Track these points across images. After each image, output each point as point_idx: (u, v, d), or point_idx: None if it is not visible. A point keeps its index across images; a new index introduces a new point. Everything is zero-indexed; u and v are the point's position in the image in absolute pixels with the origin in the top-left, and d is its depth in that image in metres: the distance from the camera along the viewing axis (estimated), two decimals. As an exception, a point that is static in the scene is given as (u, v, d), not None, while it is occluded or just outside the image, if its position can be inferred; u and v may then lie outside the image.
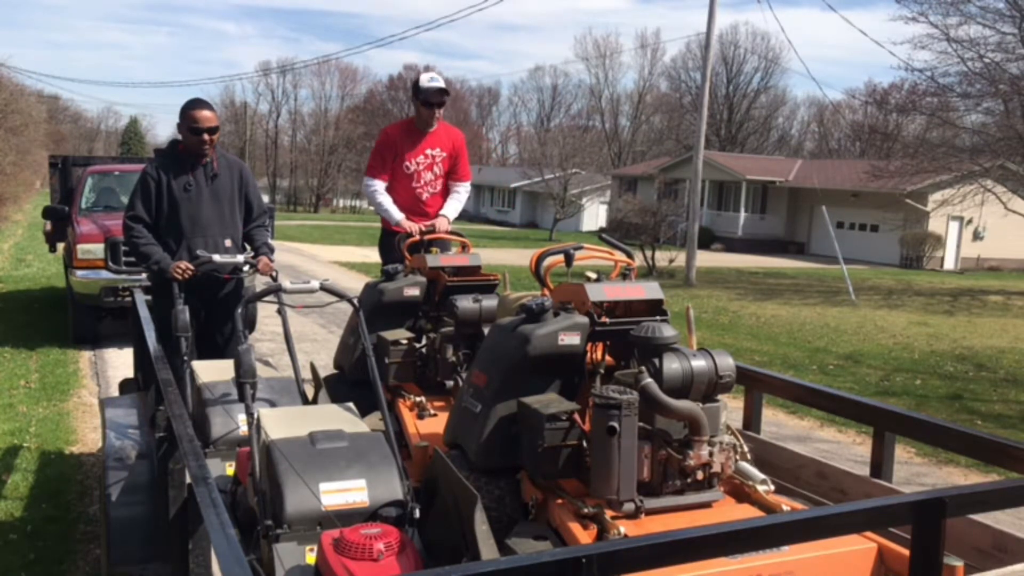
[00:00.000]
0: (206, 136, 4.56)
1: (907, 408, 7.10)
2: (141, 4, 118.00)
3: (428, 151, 5.21)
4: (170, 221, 4.60)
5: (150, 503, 3.28)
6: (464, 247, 4.82)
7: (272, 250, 4.86)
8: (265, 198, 9.88)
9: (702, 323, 13.34)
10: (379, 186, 5.22)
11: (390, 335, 3.96)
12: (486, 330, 3.72)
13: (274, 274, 4.59)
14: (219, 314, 4.76)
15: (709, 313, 14.86)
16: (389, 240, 5.16)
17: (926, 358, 11.21)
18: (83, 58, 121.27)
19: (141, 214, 4.58)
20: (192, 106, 4.59)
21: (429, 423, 3.61)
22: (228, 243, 4.71)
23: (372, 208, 5.35)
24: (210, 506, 1.83)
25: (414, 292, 4.11)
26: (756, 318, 14.55)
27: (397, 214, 5.13)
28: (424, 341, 4.08)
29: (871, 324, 14.23)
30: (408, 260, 4.56)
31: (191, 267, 4.44)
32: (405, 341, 3.94)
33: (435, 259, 4.35)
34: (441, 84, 5.12)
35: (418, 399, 3.80)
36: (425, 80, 5.12)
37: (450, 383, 3.88)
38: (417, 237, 4.80)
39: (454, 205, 5.28)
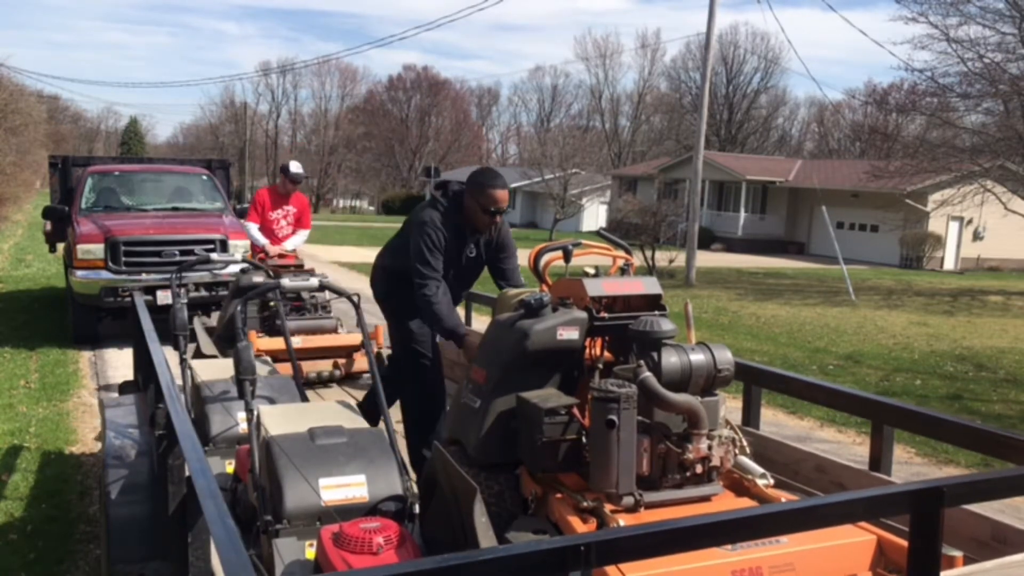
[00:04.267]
0: (498, 218, 4.13)
1: (907, 406, 7.10)
2: (142, 4, 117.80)
3: (284, 207, 8.61)
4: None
5: (150, 502, 3.28)
6: (298, 263, 7.88)
7: None
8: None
9: (702, 323, 13.34)
10: (255, 227, 8.54)
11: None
12: (304, 294, 6.49)
13: (271, 272, 4.72)
14: None
15: (709, 313, 14.86)
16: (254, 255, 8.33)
17: (926, 358, 11.21)
18: (83, 58, 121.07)
19: (436, 273, 4.01)
20: (492, 183, 4.04)
21: (264, 340, 6.02)
22: None
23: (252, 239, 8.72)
24: (209, 497, 1.84)
25: (260, 278, 6.07)
26: (756, 318, 14.56)
27: (263, 240, 8.45)
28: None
29: (871, 324, 14.23)
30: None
31: None
32: (258, 305, 6.43)
33: (273, 261, 7.44)
34: (303, 173, 8.78)
35: (260, 333, 6.21)
36: (295, 168, 8.68)
37: (279, 322, 5.98)
38: (273, 256, 7.97)
39: (295, 240, 8.65)
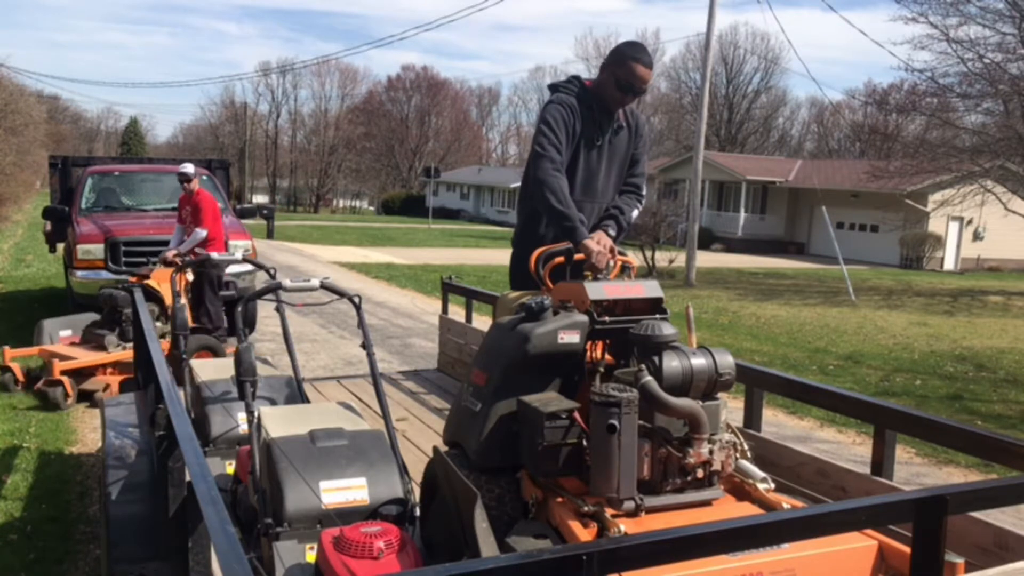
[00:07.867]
0: (630, 97, 3.60)
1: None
2: (141, 4, 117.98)
3: (184, 208, 8.73)
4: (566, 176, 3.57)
5: (150, 502, 3.28)
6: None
7: (628, 225, 3.78)
8: (265, 198, 10.03)
9: (702, 323, 13.34)
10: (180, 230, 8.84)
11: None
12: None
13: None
14: None
15: (709, 313, 14.86)
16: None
17: (926, 358, 11.20)
18: (83, 58, 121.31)
19: (557, 154, 3.50)
20: (637, 55, 3.53)
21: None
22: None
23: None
24: (210, 504, 1.83)
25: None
26: (756, 318, 14.55)
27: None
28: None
29: (871, 324, 14.23)
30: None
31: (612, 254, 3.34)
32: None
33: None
34: (189, 172, 8.71)
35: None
36: (182, 168, 8.91)
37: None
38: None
39: (187, 243, 8.46)
